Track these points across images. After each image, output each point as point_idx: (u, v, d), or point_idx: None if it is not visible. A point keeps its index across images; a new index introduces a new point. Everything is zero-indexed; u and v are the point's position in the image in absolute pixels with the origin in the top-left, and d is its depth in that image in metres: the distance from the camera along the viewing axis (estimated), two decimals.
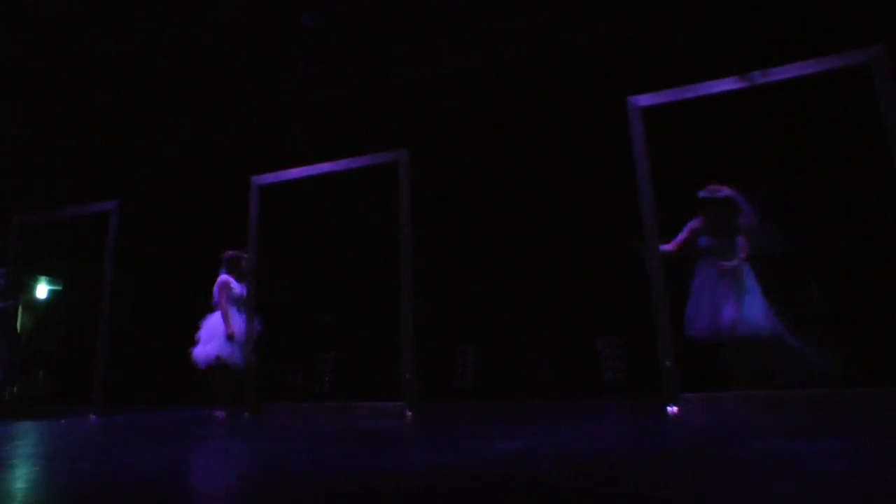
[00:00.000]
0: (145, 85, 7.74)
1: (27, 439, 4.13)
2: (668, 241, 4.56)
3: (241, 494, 2.12)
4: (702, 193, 4.50)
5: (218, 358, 5.21)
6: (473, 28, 6.70)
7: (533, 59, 6.75)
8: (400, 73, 7.23)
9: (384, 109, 7.38)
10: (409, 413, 4.56)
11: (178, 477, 2.48)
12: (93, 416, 5.75)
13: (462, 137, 7.06)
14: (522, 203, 6.86)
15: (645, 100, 4.47)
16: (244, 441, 3.65)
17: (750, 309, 4.27)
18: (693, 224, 4.61)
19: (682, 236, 4.61)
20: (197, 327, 5.57)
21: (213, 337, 5.33)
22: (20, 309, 7.58)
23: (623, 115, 4.44)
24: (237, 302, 5.53)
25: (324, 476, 2.29)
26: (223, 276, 5.59)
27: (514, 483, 1.97)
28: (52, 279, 8.92)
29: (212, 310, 5.63)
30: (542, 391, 6.07)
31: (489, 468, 2.25)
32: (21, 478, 2.52)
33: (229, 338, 5.28)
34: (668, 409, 3.98)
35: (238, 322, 5.37)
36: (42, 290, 8.60)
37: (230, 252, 5.72)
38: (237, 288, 5.55)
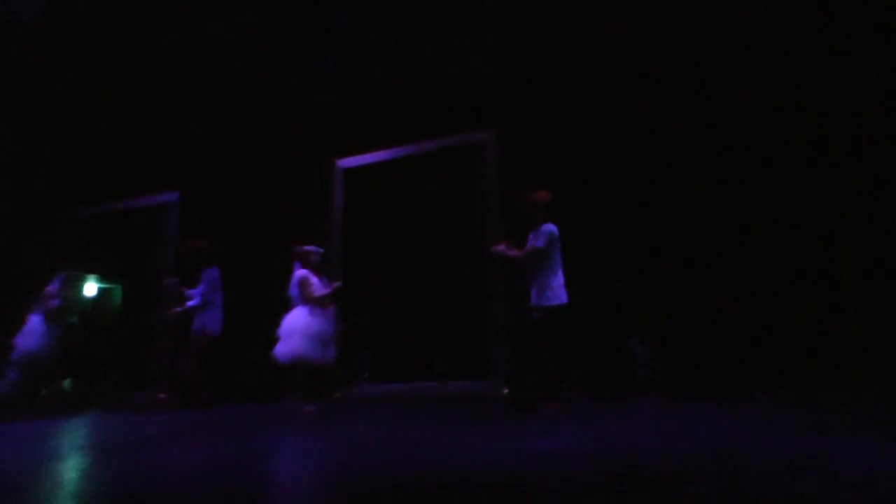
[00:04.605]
0: (199, 78, 7.74)
1: (119, 429, 4.39)
2: None
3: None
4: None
5: (299, 355, 5.15)
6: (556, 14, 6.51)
7: (626, 43, 6.51)
8: (486, 59, 6.98)
9: (468, 94, 7.13)
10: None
11: (255, 467, 2.64)
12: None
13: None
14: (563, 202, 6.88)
15: None
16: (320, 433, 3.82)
17: None
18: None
19: None
20: (265, 322, 5.54)
21: (293, 334, 5.24)
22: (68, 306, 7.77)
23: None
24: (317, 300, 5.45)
25: (359, 472, 2.42)
26: (302, 272, 5.48)
27: (549, 483, 2.06)
28: (102, 277, 9.10)
29: (287, 305, 5.52)
30: (575, 389, 6.14)
31: (524, 467, 2.34)
32: (73, 468, 2.72)
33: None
34: None
35: (318, 320, 5.34)
36: (91, 287, 8.82)
37: (302, 247, 5.63)
38: (316, 282, 5.46)
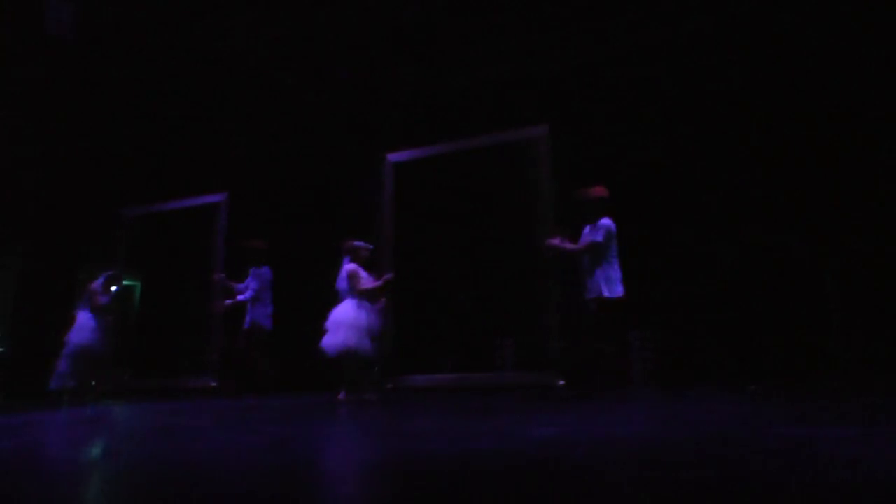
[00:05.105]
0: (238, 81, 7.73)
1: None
2: None
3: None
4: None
5: (346, 348, 5.16)
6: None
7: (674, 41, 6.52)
8: (539, 56, 6.92)
9: (522, 90, 7.11)
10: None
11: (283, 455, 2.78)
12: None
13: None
14: None
15: None
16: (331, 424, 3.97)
17: None
18: None
19: None
20: (315, 315, 5.60)
21: (340, 326, 5.26)
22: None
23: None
24: (364, 294, 5.43)
25: (369, 460, 2.57)
26: (351, 265, 5.49)
27: (551, 467, 2.20)
28: (127, 276, 9.33)
29: (336, 299, 5.55)
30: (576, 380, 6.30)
31: (527, 452, 2.48)
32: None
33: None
34: None
35: (367, 313, 5.33)
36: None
37: (351, 243, 5.66)
38: (365, 276, 5.47)
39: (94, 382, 7.28)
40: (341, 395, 5.21)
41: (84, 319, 7.26)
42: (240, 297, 6.76)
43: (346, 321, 5.24)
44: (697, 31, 6.39)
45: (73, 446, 3.35)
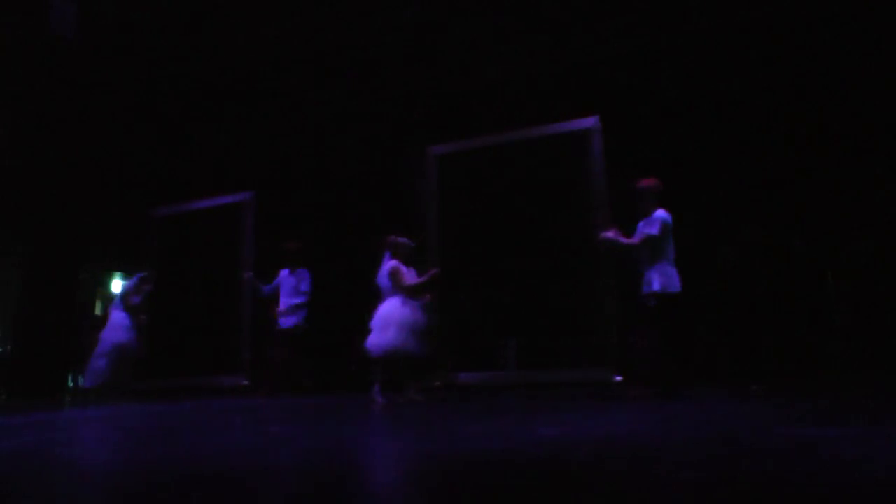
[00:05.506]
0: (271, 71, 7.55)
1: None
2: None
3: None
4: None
5: (395, 347, 4.91)
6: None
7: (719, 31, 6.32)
8: (588, 45, 6.68)
9: (571, 80, 6.88)
10: None
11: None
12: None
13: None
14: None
15: None
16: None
17: None
18: None
19: None
20: (351, 314, 5.50)
21: (388, 325, 5.00)
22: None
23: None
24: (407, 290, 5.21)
25: (361, 461, 2.58)
26: (393, 262, 5.29)
27: (555, 465, 2.22)
28: (127, 274, 9.31)
29: (378, 296, 5.36)
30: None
31: (531, 452, 2.50)
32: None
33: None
34: None
35: (412, 310, 5.12)
36: (117, 284, 9.05)
37: (395, 238, 5.46)
38: (407, 273, 5.28)
39: (121, 381, 7.31)
40: (380, 400, 4.90)
41: (119, 318, 7.31)
42: (297, 300, 6.66)
43: (394, 320, 5.00)
44: (699, 32, 6.40)
45: (76, 447, 3.36)
